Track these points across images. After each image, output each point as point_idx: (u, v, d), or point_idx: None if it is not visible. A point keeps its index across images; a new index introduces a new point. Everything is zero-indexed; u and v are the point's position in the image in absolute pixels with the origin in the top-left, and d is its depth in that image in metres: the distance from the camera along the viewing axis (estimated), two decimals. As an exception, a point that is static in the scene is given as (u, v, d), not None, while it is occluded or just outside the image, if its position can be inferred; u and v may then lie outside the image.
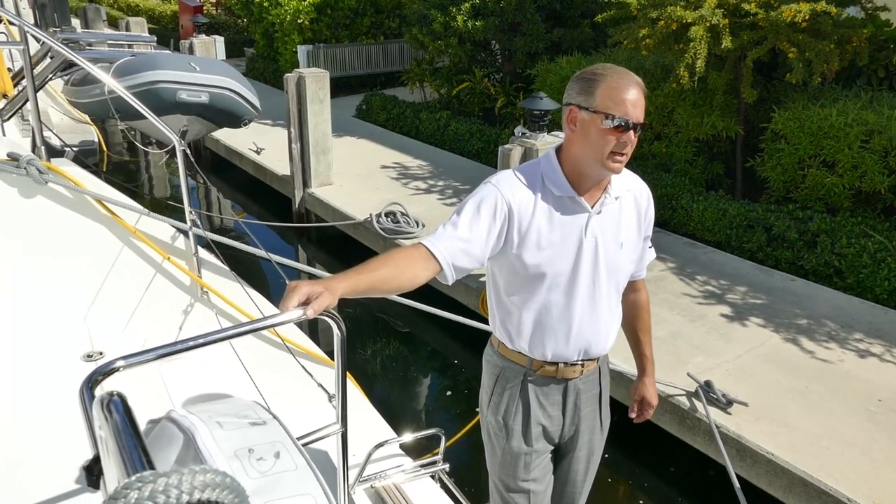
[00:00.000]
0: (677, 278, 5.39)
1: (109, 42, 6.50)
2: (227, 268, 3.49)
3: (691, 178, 6.67)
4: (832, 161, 5.63)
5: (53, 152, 4.20)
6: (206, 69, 5.40)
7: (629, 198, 1.89)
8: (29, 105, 3.75)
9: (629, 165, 1.88)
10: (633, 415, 2.26)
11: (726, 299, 5.05)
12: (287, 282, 1.47)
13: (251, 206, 8.88)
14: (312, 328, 4.74)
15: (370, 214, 6.43)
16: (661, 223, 6.27)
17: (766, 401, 3.83)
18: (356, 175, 7.96)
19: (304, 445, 1.48)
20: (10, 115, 4.31)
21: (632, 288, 2.06)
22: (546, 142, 4.73)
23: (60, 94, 7.50)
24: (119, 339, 3.03)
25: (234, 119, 5.76)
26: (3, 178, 3.21)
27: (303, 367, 2.80)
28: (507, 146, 4.87)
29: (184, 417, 1.17)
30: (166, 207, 7.71)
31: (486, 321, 2.15)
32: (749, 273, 5.49)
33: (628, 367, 2.12)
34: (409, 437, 2.68)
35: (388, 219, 6.35)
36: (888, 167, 5.36)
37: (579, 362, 1.93)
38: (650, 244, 2.02)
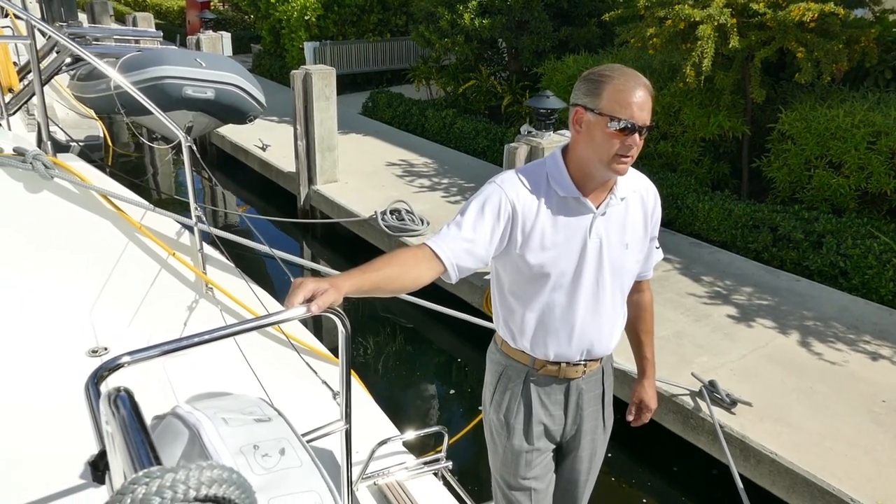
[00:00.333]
0: (682, 278, 5.39)
1: (116, 37, 6.52)
2: (231, 264, 3.49)
3: (697, 177, 6.65)
4: (839, 162, 5.61)
5: (59, 147, 4.21)
6: (212, 65, 5.41)
7: (635, 198, 1.87)
8: (35, 100, 3.76)
9: (635, 165, 1.87)
10: (630, 417, 2.24)
11: (731, 299, 5.04)
12: (292, 279, 1.47)
13: (256, 202, 8.89)
14: (317, 325, 4.74)
15: (375, 212, 6.43)
16: (666, 222, 6.26)
17: (770, 401, 3.82)
18: (361, 172, 7.96)
19: (308, 442, 1.48)
20: (15, 109, 4.32)
21: (636, 288, 2.05)
22: (552, 140, 4.72)
23: (66, 88, 7.51)
24: (124, 335, 3.04)
25: (239, 115, 5.78)
26: (8, 173, 3.22)
27: (307, 364, 2.80)
28: (512, 144, 4.86)
29: (189, 413, 1.17)
30: (172, 203, 7.73)
31: (490, 319, 2.15)
32: (754, 273, 5.48)
33: (633, 366, 2.11)
34: (412, 434, 2.68)
35: (393, 216, 6.35)
36: (894, 168, 5.34)
37: (582, 362, 1.93)
38: (657, 244, 2.00)
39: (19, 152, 3.24)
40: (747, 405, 3.77)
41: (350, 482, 1.77)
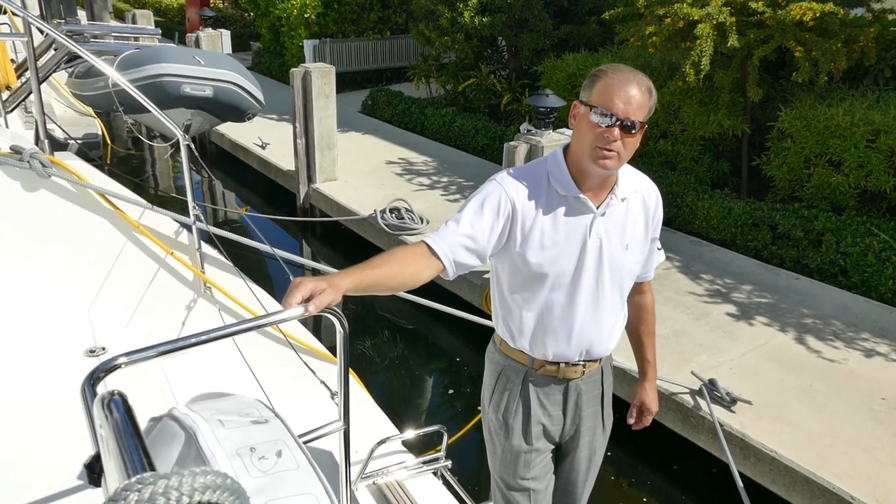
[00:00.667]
0: (682, 276, 5.38)
1: (114, 34, 6.50)
2: (230, 263, 3.48)
3: (697, 176, 6.65)
4: (838, 160, 5.61)
5: (57, 145, 4.20)
6: (211, 63, 5.39)
7: (636, 199, 1.86)
8: (32, 97, 3.75)
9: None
10: (631, 420, 2.23)
11: (731, 297, 5.04)
12: (291, 278, 1.47)
13: (256, 200, 8.88)
14: (316, 324, 4.74)
15: (374, 210, 6.42)
16: (666, 221, 6.19)
17: (769, 399, 3.82)
18: (361, 171, 7.95)
19: (306, 443, 1.47)
20: (13, 107, 4.30)
21: (637, 289, 2.04)
22: (552, 139, 4.72)
23: (64, 86, 7.50)
24: (122, 335, 3.03)
25: (237, 113, 5.76)
26: (5, 172, 3.20)
27: (305, 363, 2.79)
28: (512, 143, 4.86)
29: (185, 415, 1.17)
30: (171, 201, 7.72)
31: (489, 318, 2.14)
32: (754, 271, 5.48)
33: (634, 364, 2.11)
34: (411, 433, 2.68)
35: (393, 215, 6.34)
36: (894, 167, 5.33)
37: (581, 363, 1.92)
38: (659, 245, 1.99)
39: (16, 150, 3.22)
40: (747, 403, 3.77)
41: (349, 482, 1.77)
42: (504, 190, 1.75)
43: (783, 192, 6.05)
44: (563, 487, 2.11)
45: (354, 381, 2.95)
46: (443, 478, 2.57)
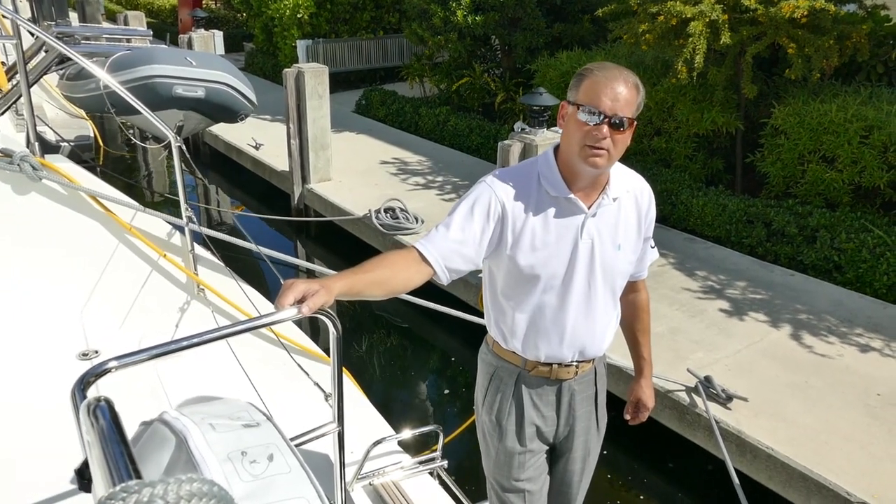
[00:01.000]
0: (677, 273, 5.38)
1: (105, 36, 6.46)
2: (223, 264, 3.46)
3: (691, 173, 6.65)
4: (832, 156, 5.62)
5: (48, 148, 4.17)
6: (203, 64, 5.36)
7: (629, 198, 1.85)
8: (23, 100, 3.72)
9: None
10: (628, 416, 2.23)
11: (726, 294, 5.04)
12: (281, 280, 1.46)
13: (250, 201, 8.85)
14: (312, 325, 4.72)
15: (369, 210, 6.41)
16: (660, 218, 6.23)
17: (765, 396, 3.82)
18: (355, 171, 7.94)
19: (300, 445, 1.46)
20: (3, 109, 4.27)
21: (631, 288, 2.03)
22: (545, 137, 4.71)
23: (55, 88, 7.46)
24: (114, 337, 3.01)
25: (230, 114, 5.72)
26: None
27: (299, 365, 2.78)
28: (506, 142, 4.85)
29: (176, 419, 1.16)
30: (164, 203, 7.69)
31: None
32: (749, 268, 5.48)
33: (629, 362, 2.11)
34: (407, 434, 2.67)
35: (388, 215, 6.33)
36: (887, 162, 5.35)
37: (574, 363, 1.91)
38: (652, 244, 1.98)
39: (6, 153, 3.20)
40: (743, 400, 3.77)
41: (343, 484, 1.76)
42: (494, 192, 1.74)
43: (777, 189, 6.06)
44: (558, 488, 2.10)
45: (349, 381, 2.94)
46: (439, 478, 2.57)
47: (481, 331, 2.06)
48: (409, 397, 4.92)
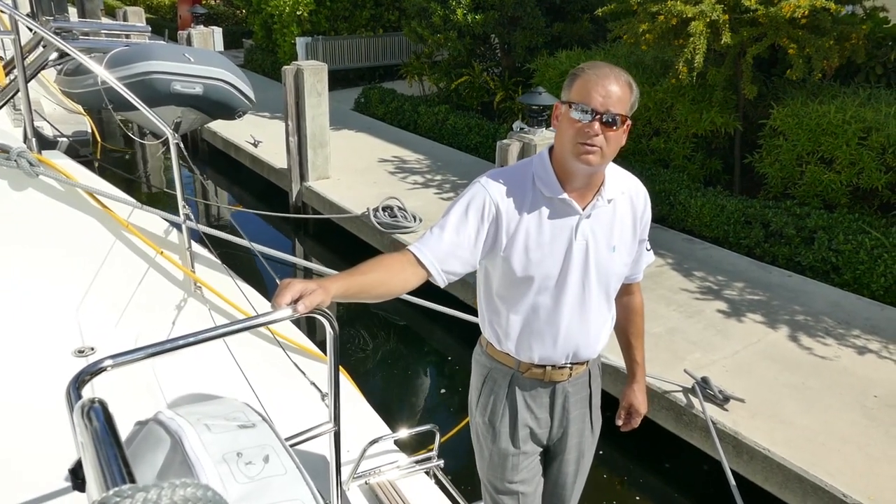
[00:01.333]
0: (675, 274, 5.38)
1: (104, 32, 6.44)
2: (220, 262, 3.45)
3: (689, 173, 6.65)
4: (830, 158, 5.62)
5: (46, 144, 4.16)
6: (201, 60, 5.34)
7: (624, 200, 1.83)
8: (20, 95, 3.71)
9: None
10: (619, 422, 2.22)
11: (723, 295, 5.04)
12: (277, 279, 1.45)
13: (248, 199, 8.84)
14: (309, 324, 4.71)
15: (367, 208, 6.40)
16: (658, 219, 6.25)
17: (762, 397, 3.82)
18: (354, 169, 7.92)
19: (296, 445, 1.45)
20: (1, 105, 4.26)
21: (625, 291, 2.02)
22: (544, 137, 4.71)
23: (53, 83, 7.43)
24: (111, 335, 3.00)
25: (228, 110, 5.71)
26: None
27: (295, 364, 2.77)
28: (505, 141, 4.85)
29: (171, 420, 1.15)
30: (162, 199, 7.67)
31: (481, 317, 2.12)
32: (746, 269, 5.48)
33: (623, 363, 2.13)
34: (403, 433, 2.66)
35: (386, 213, 6.32)
36: (885, 164, 5.35)
37: (568, 365, 1.90)
38: (648, 246, 1.97)
39: (3, 149, 3.19)
40: (740, 401, 3.77)
41: (339, 484, 1.75)
42: (488, 193, 1.73)
43: (775, 190, 6.06)
44: (552, 490, 2.09)
45: (346, 380, 2.93)
46: (435, 477, 2.56)
47: (478, 330, 2.05)
48: (406, 396, 4.92)
